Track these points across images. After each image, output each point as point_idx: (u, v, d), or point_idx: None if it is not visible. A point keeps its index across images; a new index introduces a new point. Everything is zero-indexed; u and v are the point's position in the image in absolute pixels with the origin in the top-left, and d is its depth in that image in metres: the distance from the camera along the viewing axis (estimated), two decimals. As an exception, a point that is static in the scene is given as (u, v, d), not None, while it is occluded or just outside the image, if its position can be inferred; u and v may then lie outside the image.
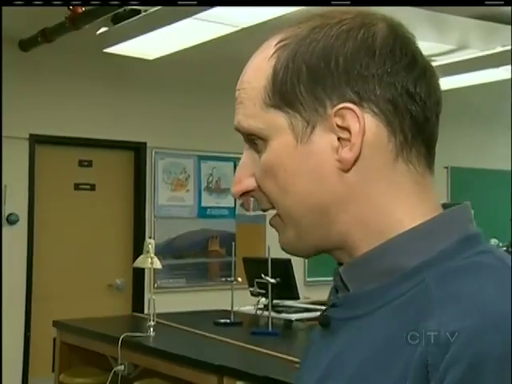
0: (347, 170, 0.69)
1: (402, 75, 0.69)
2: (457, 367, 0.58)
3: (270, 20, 3.42)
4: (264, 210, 0.75)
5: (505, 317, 0.60)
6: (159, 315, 3.71)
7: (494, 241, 5.32)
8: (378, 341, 0.67)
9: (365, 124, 0.68)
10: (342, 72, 0.68)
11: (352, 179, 0.69)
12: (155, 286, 5.14)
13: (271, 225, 0.75)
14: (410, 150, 0.69)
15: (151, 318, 3.57)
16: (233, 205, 5.71)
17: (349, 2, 2.83)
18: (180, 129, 5.56)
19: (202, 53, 4.42)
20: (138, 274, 5.28)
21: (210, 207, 5.73)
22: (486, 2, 3.52)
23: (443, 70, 4.77)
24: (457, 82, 5.03)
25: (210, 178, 5.76)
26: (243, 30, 3.68)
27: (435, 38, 4.55)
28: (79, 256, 5.28)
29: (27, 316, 5.01)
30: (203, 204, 5.73)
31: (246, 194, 0.75)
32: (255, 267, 4.12)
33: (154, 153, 5.57)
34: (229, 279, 4.08)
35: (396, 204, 0.70)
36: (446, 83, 4.98)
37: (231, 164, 5.64)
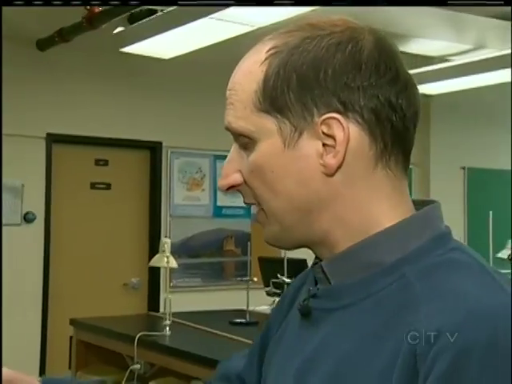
0: (331, 175, 0.74)
1: (385, 88, 0.74)
2: (444, 357, 0.63)
3: (286, 20, 3.41)
4: (247, 204, 0.80)
5: (487, 310, 0.65)
6: (175, 314, 3.72)
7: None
8: (363, 331, 0.72)
9: (349, 133, 0.73)
10: (329, 82, 0.73)
11: (335, 182, 0.74)
12: (171, 285, 5.15)
13: (256, 220, 0.79)
14: (389, 158, 0.75)
15: (167, 317, 3.57)
16: (248, 204, 5.70)
17: (349, 2, 2.85)
18: (195, 128, 5.57)
19: (218, 52, 4.42)
20: (154, 273, 5.29)
21: (226, 207, 5.73)
22: (487, 2, 3.51)
23: (460, 69, 4.74)
24: (474, 81, 5.00)
25: (226, 178, 5.76)
26: (259, 29, 3.68)
27: (452, 38, 4.53)
28: (95, 255, 5.30)
29: (44, 314, 5.05)
30: (219, 203, 5.74)
31: (232, 188, 0.79)
32: (271, 267, 4.12)
33: (169, 152, 5.59)
34: (244, 279, 4.09)
35: (374, 205, 0.75)
36: (463, 83, 4.95)
37: (247, 163, 5.64)
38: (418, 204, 0.78)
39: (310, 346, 0.77)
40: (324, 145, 0.73)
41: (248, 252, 4.23)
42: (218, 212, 5.75)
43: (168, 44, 4.22)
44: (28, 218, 5.01)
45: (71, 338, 4.16)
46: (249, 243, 4.44)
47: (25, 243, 4.99)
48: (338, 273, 0.76)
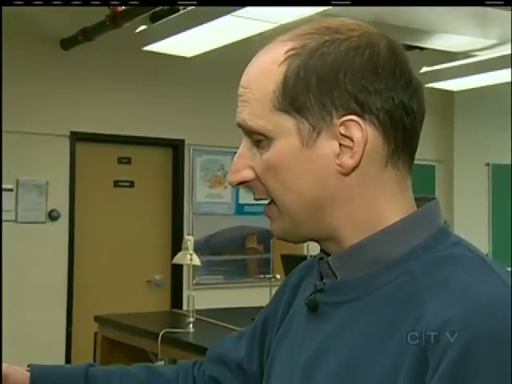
0: (346, 174, 0.76)
1: (400, 92, 0.77)
2: (453, 348, 0.66)
3: (309, 16, 3.40)
4: (257, 200, 0.82)
5: (491, 302, 0.68)
6: (198, 311, 3.74)
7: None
8: (371, 323, 0.74)
9: (367, 135, 0.75)
10: (348, 85, 0.75)
11: (348, 181, 0.77)
12: (193, 282, 5.17)
13: (266, 213, 0.82)
14: (398, 158, 0.78)
15: (190, 314, 3.59)
16: (270, 202, 5.70)
17: (349, 3, 2.87)
18: (218, 126, 5.58)
19: (241, 50, 4.41)
20: (177, 270, 5.32)
21: (248, 204, 5.73)
22: (486, 2, 3.51)
23: (484, 65, 4.69)
24: (498, 77, 4.94)
25: (248, 175, 5.77)
26: (282, 26, 3.67)
27: (476, 33, 4.48)
28: (119, 252, 5.34)
29: (69, 311, 5.10)
30: (241, 201, 5.74)
31: (242, 183, 0.81)
32: (293, 264, 4.09)
33: (191, 150, 5.61)
34: (267, 276, 4.09)
35: (382, 204, 0.78)
36: (488, 79, 4.90)
37: (269, 161, 5.64)
38: (419, 201, 0.81)
39: (318, 340, 0.79)
40: (340, 145, 0.76)
41: (270, 249, 4.24)
42: (240, 209, 5.75)
43: (190, 42, 4.22)
44: (53, 216, 5.05)
45: (96, 334, 4.19)
46: (271, 240, 4.44)
47: (49, 241, 5.04)
48: (345, 268, 0.79)
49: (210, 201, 5.66)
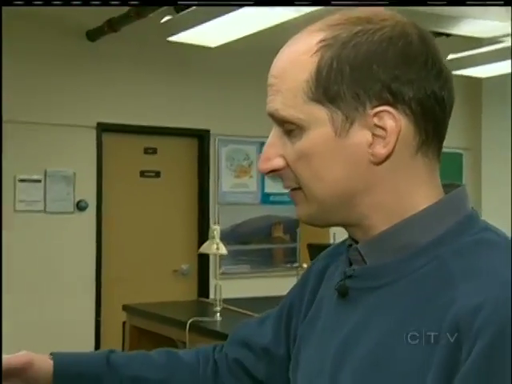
0: (378, 163, 0.77)
1: (431, 82, 0.77)
2: (487, 330, 0.67)
3: (331, 7, 3.38)
4: (287, 188, 0.83)
5: None
6: (225, 300, 3.75)
7: None
8: (402, 309, 0.75)
9: (401, 125, 0.76)
10: (382, 75, 0.76)
11: (380, 170, 0.78)
12: (220, 271, 5.19)
13: (291, 197, 0.83)
14: (428, 147, 0.79)
15: (217, 303, 3.61)
16: (296, 191, 5.69)
17: (349, 2, 2.88)
18: (243, 116, 5.58)
19: (265, 39, 4.41)
20: (203, 259, 5.35)
21: (274, 193, 5.74)
22: (487, 2, 3.47)
23: (513, 50, 4.62)
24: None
25: (274, 165, 5.76)
26: (306, 15, 3.66)
27: (504, 18, 4.42)
28: (145, 242, 5.38)
29: (97, 300, 5.16)
30: (266, 190, 5.75)
31: (273, 172, 0.82)
32: (320, 253, 4.11)
33: (217, 140, 5.62)
34: (294, 265, 4.09)
35: (413, 191, 0.79)
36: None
37: (294, 150, 5.62)
38: (447, 187, 0.82)
39: (349, 326, 0.80)
40: (373, 134, 0.77)
41: (297, 238, 4.24)
42: (266, 199, 5.76)
43: (215, 32, 4.23)
44: (80, 206, 5.11)
45: (124, 323, 4.24)
46: (298, 230, 4.44)
47: (78, 231, 5.10)
48: (375, 254, 0.80)
49: (235, 190, 5.67)
